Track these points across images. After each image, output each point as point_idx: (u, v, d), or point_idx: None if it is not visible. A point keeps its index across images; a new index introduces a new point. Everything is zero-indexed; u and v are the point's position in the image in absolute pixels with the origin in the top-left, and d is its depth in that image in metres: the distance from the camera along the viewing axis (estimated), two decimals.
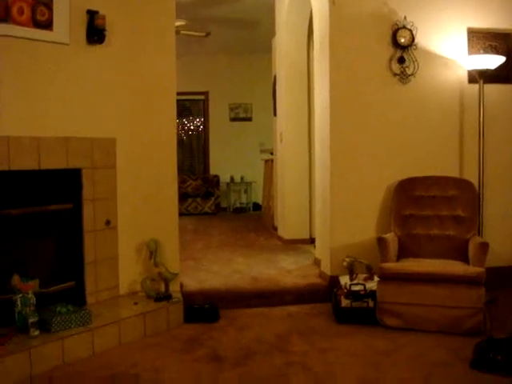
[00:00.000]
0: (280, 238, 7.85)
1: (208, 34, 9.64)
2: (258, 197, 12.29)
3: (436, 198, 5.15)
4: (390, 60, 5.36)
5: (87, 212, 4.56)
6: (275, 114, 8.51)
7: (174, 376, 3.65)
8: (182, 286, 5.15)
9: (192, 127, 13.21)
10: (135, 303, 4.62)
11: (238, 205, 12.69)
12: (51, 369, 3.70)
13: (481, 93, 5.27)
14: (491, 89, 5.47)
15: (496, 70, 5.28)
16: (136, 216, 4.91)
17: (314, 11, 5.92)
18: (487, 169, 5.39)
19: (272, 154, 9.10)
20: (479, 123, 5.30)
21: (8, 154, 3.97)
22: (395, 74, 5.37)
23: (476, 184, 5.23)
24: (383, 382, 3.52)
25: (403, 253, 4.96)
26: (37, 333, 3.78)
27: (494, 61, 5.20)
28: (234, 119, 12.94)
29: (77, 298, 4.46)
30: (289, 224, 7.62)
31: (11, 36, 3.98)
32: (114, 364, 3.83)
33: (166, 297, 4.73)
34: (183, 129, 13.06)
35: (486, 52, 5.49)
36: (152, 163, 4.98)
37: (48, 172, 4.28)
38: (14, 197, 4.10)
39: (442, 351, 3.95)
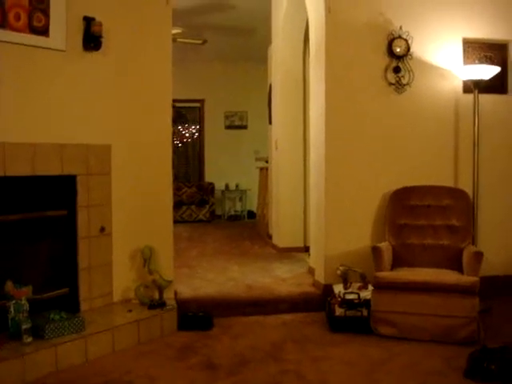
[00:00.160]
0: (274, 246, 7.84)
1: (204, 42, 9.68)
2: (252, 205, 12.30)
3: (430, 207, 5.16)
4: (386, 69, 5.38)
5: (82, 218, 4.55)
6: (270, 122, 8.52)
7: None
8: (176, 293, 5.13)
9: (187, 134, 13.22)
10: (129, 310, 4.61)
11: (233, 212, 12.69)
12: (44, 376, 3.68)
13: (476, 103, 5.29)
14: (486, 99, 5.49)
15: (491, 80, 5.30)
16: (130, 223, 4.90)
17: (310, 20, 5.94)
18: (482, 178, 5.41)
19: (267, 162, 9.11)
20: (474, 133, 5.32)
21: (3, 159, 3.96)
22: (391, 84, 5.39)
23: (470, 193, 5.24)
24: None
25: (397, 262, 4.96)
26: (30, 339, 3.76)
27: (488, 71, 5.22)
28: (229, 127, 12.95)
29: (70, 304, 4.45)
30: (283, 232, 7.62)
31: (7, 42, 3.98)
32: (108, 371, 3.81)
33: (160, 304, 4.72)
34: (179, 136, 13.06)
35: (481, 62, 5.51)
36: (147, 170, 4.98)
37: (43, 178, 4.28)
38: (8, 203, 4.09)
39: (436, 360, 3.95)
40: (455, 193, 5.23)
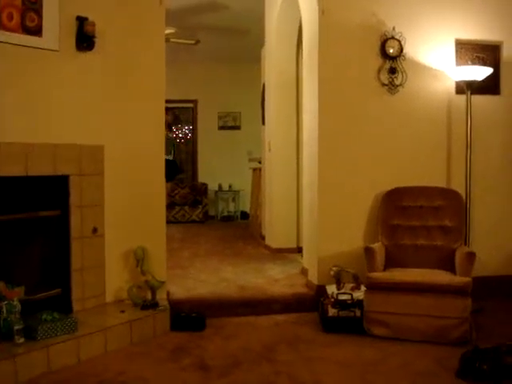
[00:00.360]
0: (267, 247, 7.84)
1: (197, 42, 9.67)
2: (245, 205, 12.30)
3: (423, 208, 5.17)
4: (379, 70, 5.39)
5: (74, 219, 4.54)
6: (264, 123, 8.53)
7: None
8: (168, 294, 5.13)
9: (180, 135, 13.21)
10: (122, 311, 4.60)
11: (226, 213, 12.69)
12: (37, 376, 3.67)
13: (468, 104, 5.31)
14: (479, 100, 5.51)
15: (484, 81, 5.32)
16: (123, 223, 4.89)
17: (303, 21, 5.94)
18: (475, 179, 5.42)
19: (260, 162, 9.11)
20: (467, 134, 5.34)
21: None
22: (384, 85, 5.40)
23: (463, 194, 5.26)
24: None
25: (390, 263, 4.97)
26: (22, 340, 3.74)
27: (481, 72, 5.24)
28: (222, 127, 12.95)
29: (63, 305, 4.43)
30: (276, 233, 7.62)
31: (0, 42, 3.97)
32: (101, 372, 3.80)
33: (153, 305, 4.71)
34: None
35: (473, 63, 5.53)
36: (140, 170, 4.97)
37: (36, 178, 4.26)
38: (0, 203, 4.07)
39: (429, 361, 3.96)
40: (448, 193, 5.24)
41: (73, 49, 4.50)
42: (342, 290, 4.79)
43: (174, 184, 11.85)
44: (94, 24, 4.49)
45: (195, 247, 8.24)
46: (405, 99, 5.45)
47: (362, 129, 5.40)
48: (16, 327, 3.73)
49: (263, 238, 8.34)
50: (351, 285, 4.88)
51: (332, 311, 4.65)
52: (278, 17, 7.32)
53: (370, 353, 4.16)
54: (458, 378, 3.58)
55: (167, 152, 11.66)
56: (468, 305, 4.32)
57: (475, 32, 5.59)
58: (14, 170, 4.08)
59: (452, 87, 5.55)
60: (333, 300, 4.70)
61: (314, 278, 5.44)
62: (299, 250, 7.03)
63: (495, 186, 5.69)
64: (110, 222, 4.81)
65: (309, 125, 5.70)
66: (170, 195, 11.21)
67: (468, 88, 5.29)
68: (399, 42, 5.37)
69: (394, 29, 5.37)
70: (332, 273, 4.94)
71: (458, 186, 5.36)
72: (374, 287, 4.55)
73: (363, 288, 4.70)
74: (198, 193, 12.02)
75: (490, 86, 5.59)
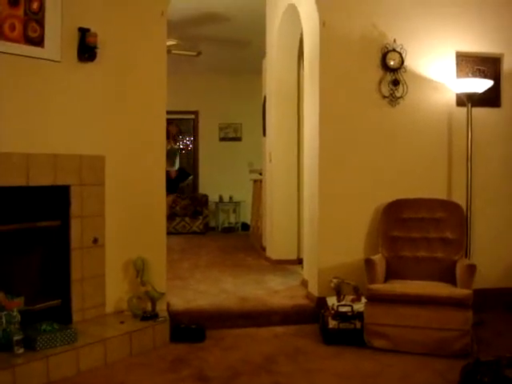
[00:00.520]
0: (268, 259, 7.83)
1: (199, 54, 9.70)
2: (246, 217, 12.28)
3: (424, 220, 5.17)
4: (380, 82, 5.40)
5: (75, 229, 4.54)
6: (264, 135, 8.54)
7: None
8: (168, 305, 5.12)
9: (181, 146, 13.22)
10: (121, 322, 4.59)
11: (227, 224, 12.66)
12: None
13: (469, 116, 5.31)
14: (480, 112, 5.52)
15: (484, 93, 5.33)
16: (123, 234, 4.89)
17: (304, 33, 5.96)
18: (475, 191, 5.42)
19: (261, 174, 9.11)
20: (467, 146, 5.34)
21: None
22: (384, 97, 5.41)
23: (464, 206, 5.25)
24: None
25: (391, 275, 4.96)
26: (21, 351, 3.73)
27: (481, 84, 5.25)
28: (223, 139, 12.95)
29: (63, 315, 4.43)
30: (277, 244, 7.61)
31: (2, 52, 3.98)
32: (100, 383, 3.79)
33: (153, 316, 4.70)
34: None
35: (474, 76, 5.54)
36: (141, 181, 4.97)
37: (36, 188, 4.26)
38: (0, 213, 4.07)
39: (429, 373, 3.95)
40: (449, 205, 5.24)
41: (74, 59, 4.52)
42: (343, 302, 4.78)
43: (174, 195, 11.83)
44: (95, 35, 4.51)
45: (195, 258, 8.22)
46: (405, 111, 5.46)
47: (362, 140, 5.40)
48: (15, 338, 3.72)
49: (264, 249, 8.32)
50: (351, 297, 4.87)
51: (332, 323, 4.63)
52: (279, 28, 7.34)
53: (369, 365, 4.14)
54: None
55: (172, 163, 11.70)
56: (469, 317, 4.31)
57: (476, 44, 5.61)
58: (15, 180, 4.09)
59: (453, 99, 5.56)
60: (333, 312, 4.69)
61: (314, 289, 5.42)
62: (300, 261, 7.01)
63: (496, 198, 5.69)
64: (111, 233, 4.81)
65: (309, 136, 5.71)
66: (170, 206, 11.21)
67: (468, 100, 5.30)
68: (400, 54, 5.39)
69: (394, 41, 5.39)
70: (332, 285, 4.93)
71: (459, 198, 5.36)
72: (374, 299, 4.54)
73: (364, 300, 4.69)
74: (199, 204, 12.00)
75: (490, 99, 5.60)
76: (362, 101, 5.40)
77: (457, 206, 5.19)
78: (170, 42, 8.27)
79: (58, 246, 4.52)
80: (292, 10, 6.55)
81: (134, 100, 4.93)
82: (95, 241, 4.68)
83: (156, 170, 5.07)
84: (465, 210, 5.25)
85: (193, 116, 12.94)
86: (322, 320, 4.75)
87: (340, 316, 4.64)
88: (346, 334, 4.60)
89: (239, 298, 5.55)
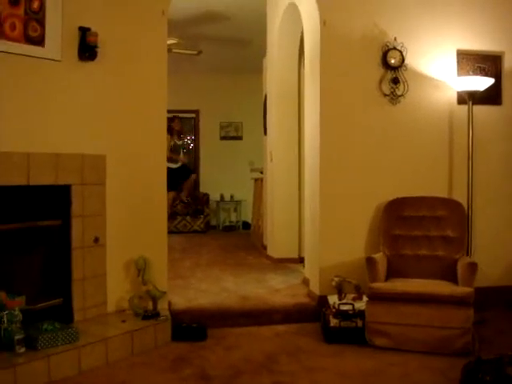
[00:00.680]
0: (269, 257, 7.82)
1: (200, 53, 9.69)
2: (247, 215, 12.27)
3: (425, 218, 5.16)
4: (381, 81, 5.39)
5: (76, 228, 4.54)
6: (265, 133, 8.53)
7: None
8: (170, 304, 5.12)
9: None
10: (123, 321, 4.59)
11: (228, 223, 12.66)
12: None
13: (470, 114, 5.31)
14: (481, 110, 5.52)
15: (486, 91, 5.32)
16: (125, 233, 4.89)
17: (305, 31, 5.96)
18: (477, 189, 5.42)
19: (262, 172, 9.11)
20: (468, 144, 5.34)
21: None
22: (385, 95, 5.41)
23: (465, 204, 5.25)
24: None
25: (392, 273, 4.96)
26: (23, 350, 3.73)
27: (482, 83, 5.25)
28: (224, 138, 12.95)
29: (64, 315, 4.42)
30: (278, 243, 7.60)
31: (2, 51, 3.98)
32: (102, 382, 3.80)
33: (154, 315, 4.70)
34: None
35: (475, 74, 5.54)
36: (142, 180, 4.98)
37: (37, 188, 4.26)
38: (2, 212, 4.07)
39: (431, 371, 3.95)
40: (450, 204, 5.23)
41: (75, 59, 4.51)
42: (344, 301, 4.78)
43: (175, 194, 11.81)
44: (96, 34, 4.51)
45: (196, 257, 8.21)
46: (406, 109, 5.45)
47: (363, 139, 5.40)
48: (17, 337, 3.72)
49: (265, 248, 8.32)
50: (353, 295, 4.87)
51: (334, 321, 4.63)
52: (279, 27, 7.34)
53: (371, 363, 4.14)
54: None
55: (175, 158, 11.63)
56: (470, 315, 4.31)
57: (477, 42, 5.60)
58: (16, 179, 4.08)
59: (454, 97, 5.56)
60: (334, 310, 4.69)
61: (315, 288, 5.42)
62: (301, 260, 7.02)
63: (497, 196, 5.69)
64: (112, 232, 4.81)
65: (310, 135, 5.71)
66: (171, 205, 11.20)
67: (470, 98, 5.30)
68: (401, 52, 5.38)
69: (395, 39, 5.38)
70: (334, 283, 4.92)
71: (460, 196, 5.36)
72: (375, 297, 4.53)
73: (365, 298, 4.69)
74: (200, 203, 12.00)
75: (491, 97, 5.60)
76: (362, 99, 5.40)
77: (458, 204, 5.19)
78: (171, 41, 8.28)
79: (59, 246, 4.52)
80: (292, 9, 6.55)
81: (135, 99, 4.93)
82: (96, 240, 4.68)
83: (157, 169, 5.06)
84: (466, 208, 5.25)
85: (194, 115, 12.94)
86: (324, 318, 4.75)
87: (341, 314, 4.63)
88: (348, 333, 4.60)
89: (240, 297, 5.55)
